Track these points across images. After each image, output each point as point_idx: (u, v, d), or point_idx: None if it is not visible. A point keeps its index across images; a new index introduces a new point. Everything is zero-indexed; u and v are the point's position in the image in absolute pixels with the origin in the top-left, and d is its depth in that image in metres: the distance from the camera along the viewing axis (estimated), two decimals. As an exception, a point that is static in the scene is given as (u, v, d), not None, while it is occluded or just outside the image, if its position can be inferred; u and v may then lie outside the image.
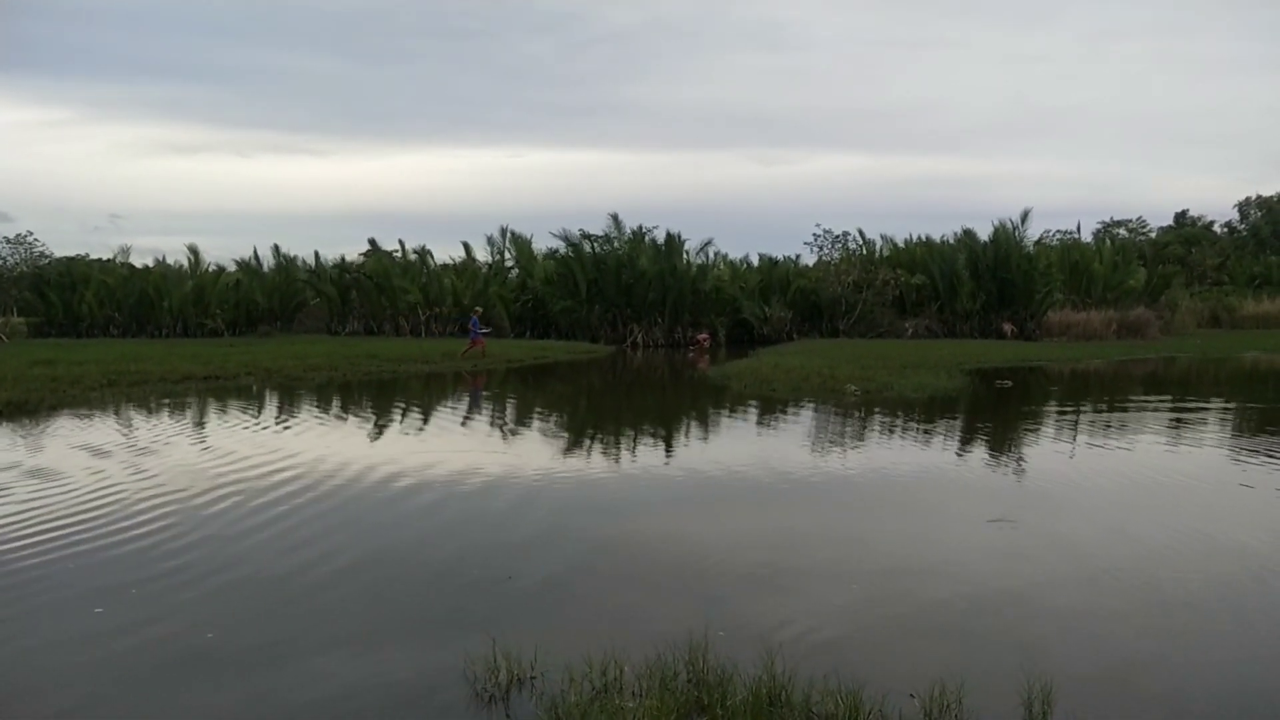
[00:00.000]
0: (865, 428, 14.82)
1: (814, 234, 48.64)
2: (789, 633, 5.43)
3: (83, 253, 55.68)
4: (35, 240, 56.10)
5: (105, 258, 53.79)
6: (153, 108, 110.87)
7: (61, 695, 4.66)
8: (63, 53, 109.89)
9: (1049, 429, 14.92)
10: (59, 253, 55.27)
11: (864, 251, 48.06)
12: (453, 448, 12.32)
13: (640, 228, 44.66)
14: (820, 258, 48.14)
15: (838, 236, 48.29)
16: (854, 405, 17.58)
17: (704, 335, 39.90)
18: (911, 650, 5.26)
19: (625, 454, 12.21)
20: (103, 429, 14.15)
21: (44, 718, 4.43)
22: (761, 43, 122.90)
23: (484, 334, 30.75)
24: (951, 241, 47.25)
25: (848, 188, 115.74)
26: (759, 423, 15.55)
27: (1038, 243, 52.06)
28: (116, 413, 16.50)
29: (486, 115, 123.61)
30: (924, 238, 48.75)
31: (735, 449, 12.39)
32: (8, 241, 56.84)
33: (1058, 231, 62.19)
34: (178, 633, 5.49)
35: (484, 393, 21.17)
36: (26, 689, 4.73)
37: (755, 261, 48.74)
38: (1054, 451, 12.47)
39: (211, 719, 4.44)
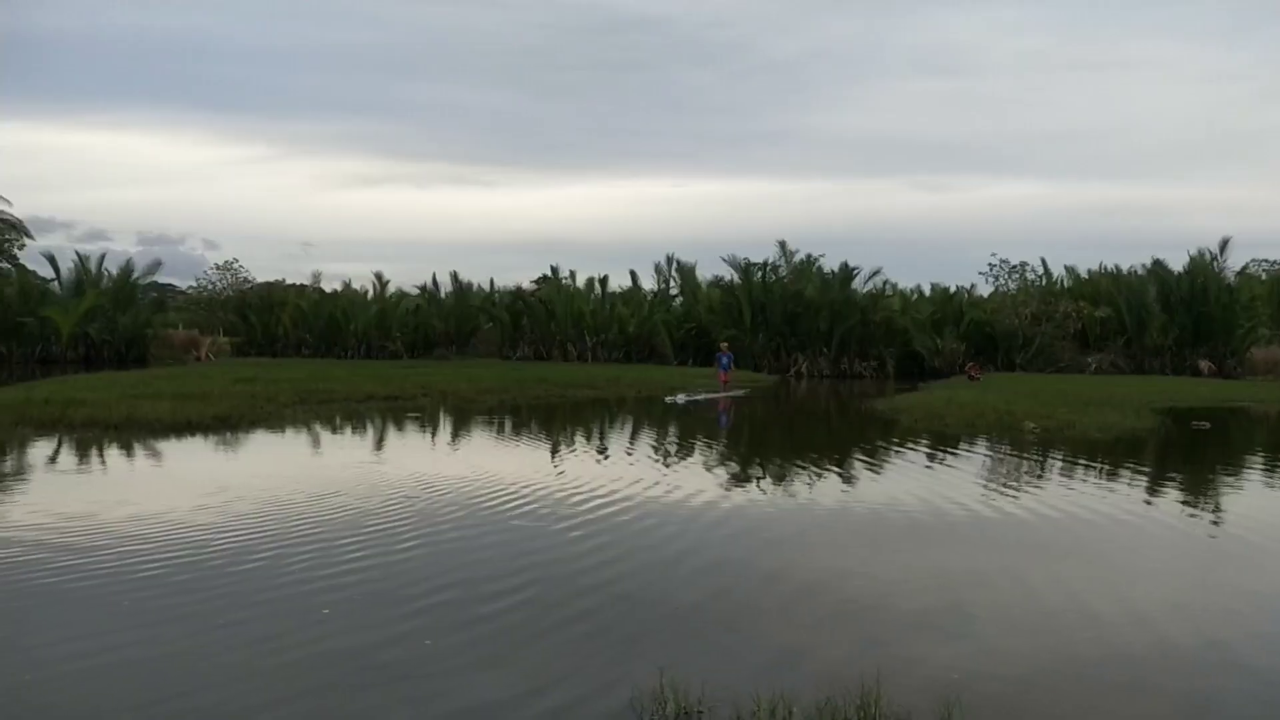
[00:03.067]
0: (1044, 468, 14.09)
1: (989, 264, 46.81)
2: (961, 679, 5.19)
3: (279, 278, 59.84)
4: (240, 266, 60.75)
5: (299, 283, 57.61)
6: (341, 143, 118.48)
7: (243, 691, 4.96)
8: (262, 93, 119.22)
9: (1254, 477, 13.75)
10: (259, 278, 59.61)
11: (1043, 282, 45.90)
12: (621, 475, 12.45)
13: (809, 256, 44.26)
14: (996, 288, 46.33)
15: (1015, 266, 46.30)
16: (1032, 444, 16.74)
17: (973, 364, 37.14)
18: (1094, 706, 4.94)
19: (792, 487, 12.04)
20: (290, 444, 15.12)
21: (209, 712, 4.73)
22: (929, 68, 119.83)
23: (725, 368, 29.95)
24: (1140, 272, 44.56)
25: (1025, 216, 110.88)
26: (929, 459, 15.03)
27: (1240, 273, 48.37)
28: (307, 429, 17.60)
29: (649, 146, 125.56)
30: (1111, 268, 46.19)
31: (904, 485, 12.02)
32: (216, 268, 61.69)
33: (1266, 261, 57.49)
34: (352, 640, 5.76)
35: (724, 420, 21.79)
36: (212, 682, 5.05)
37: (927, 291, 47.41)
38: (1259, 502, 11.48)
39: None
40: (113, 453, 14.13)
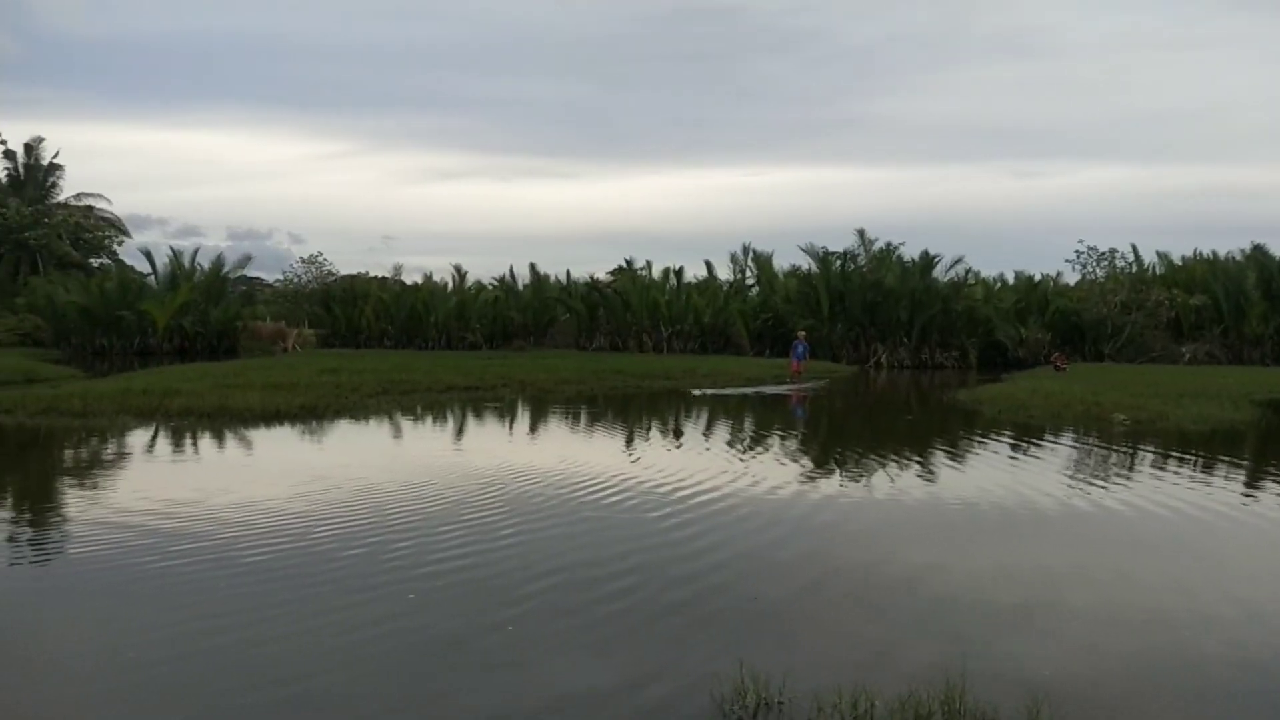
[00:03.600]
0: (1135, 461, 13.65)
1: (1076, 251, 45.57)
2: (1049, 678, 5.07)
3: (362, 271, 61.14)
4: (324, 260, 62.28)
5: (381, 275, 58.82)
6: (421, 138, 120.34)
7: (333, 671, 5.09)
8: (345, 91, 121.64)
9: (1363, 471, 13.12)
10: (342, 271, 61.00)
11: (1134, 269, 44.42)
12: (705, 466, 12.44)
13: (888, 245, 43.59)
14: (1084, 276, 44.99)
15: (1103, 254, 44.93)
16: (1122, 436, 16.23)
17: (1059, 354, 36.17)
18: (1204, 712, 4.78)
19: (874, 479, 11.88)
20: (377, 434, 15.46)
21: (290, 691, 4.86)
22: (1012, 51, 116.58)
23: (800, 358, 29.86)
24: (1238, 258, 42.80)
25: (1113, 201, 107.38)
26: (1014, 451, 14.68)
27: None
28: (391, 419, 17.99)
29: (725, 135, 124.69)
30: (1207, 254, 44.47)
31: (988, 477, 11.77)
32: (302, 261, 63.39)
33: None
34: (432, 623, 5.87)
35: (800, 411, 21.71)
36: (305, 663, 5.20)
37: (1010, 280, 46.28)
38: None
39: (458, 712, 4.69)
40: (209, 441, 14.64)
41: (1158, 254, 45.64)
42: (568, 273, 53.61)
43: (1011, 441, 15.70)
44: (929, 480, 11.76)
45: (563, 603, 6.41)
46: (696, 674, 5.11)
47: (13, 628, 6.01)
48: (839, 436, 17.82)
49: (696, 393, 24.48)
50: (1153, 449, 14.85)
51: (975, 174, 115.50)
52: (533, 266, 53.93)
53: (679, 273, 49.89)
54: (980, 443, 15.74)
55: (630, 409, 21.01)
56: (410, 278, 56.87)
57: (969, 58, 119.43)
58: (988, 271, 47.74)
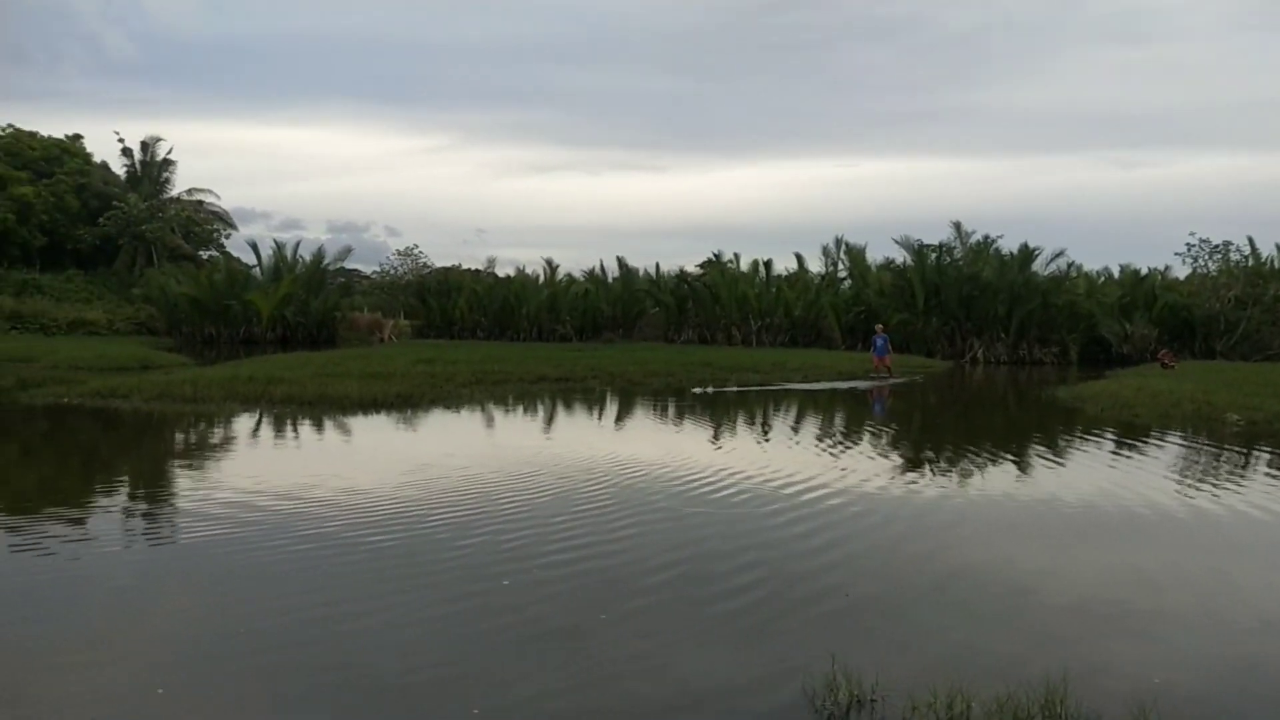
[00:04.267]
0: (1247, 464, 13.04)
1: (1187, 244, 43.64)
2: (1162, 685, 4.89)
3: (456, 263, 62.41)
4: (419, 252, 63.71)
5: (474, 268, 59.89)
6: (514, 132, 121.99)
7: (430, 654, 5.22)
8: (442, 86, 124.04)
9: None
10: (437, 263, 62.33)
11: (1250, 262, 42.36)
12: (799, 462, 12.36)
13: (986, 237, 42.51)
14: (1194, 270, 43.11)
15: (1216, 246, 42.93)
16: (1235, 438, 15.52)
17: (1166, 351, 34.88)
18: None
19: (970, 476, 11.62)
20: (475, 424, 15.73)
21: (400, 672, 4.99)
22: (1119, 37, 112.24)
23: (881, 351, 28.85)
24: (1366, 250, 40.44)
25: (1226, 191, 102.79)
26: (1118, 451, 14.18)
27: None
28: (486, 409, 18.31)
29: (819, 126, 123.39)
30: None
31: (1090, 478, 11.39)
32: (398, 254, 65.07)
33: None
34: (540, 615, 5.96)
35: (880, 407, 21.25)
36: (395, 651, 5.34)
37: (1115, 273, 44.66)
38: None
39: (552, 699, 4.76)
40: (315, 428, 15.14)
41: (1277, 246, 43.46)
42: (657, 266, 53.87)
43: (1115, 441, 15.16)
44: (1025, 480, 11.45)
45: (683, 596, 6.40)
46: (784, 668, 5.09)
47: (150, 611, 6.31)
48: (937, 433, 17.46)
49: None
50: (1269, 451, 14.16)
51: (1078, 164, 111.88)
52: (620, 260, 54.33)
53: (768, 265, 49.58)
54: (1082, 442, 15.24)
55: (721, 402, 20.95)
56: (503, 270, 57.89)
57: (1074, 43, 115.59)
58: (1091, 265, 46.29)
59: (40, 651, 5.30)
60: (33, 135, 51.98)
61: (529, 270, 56.63)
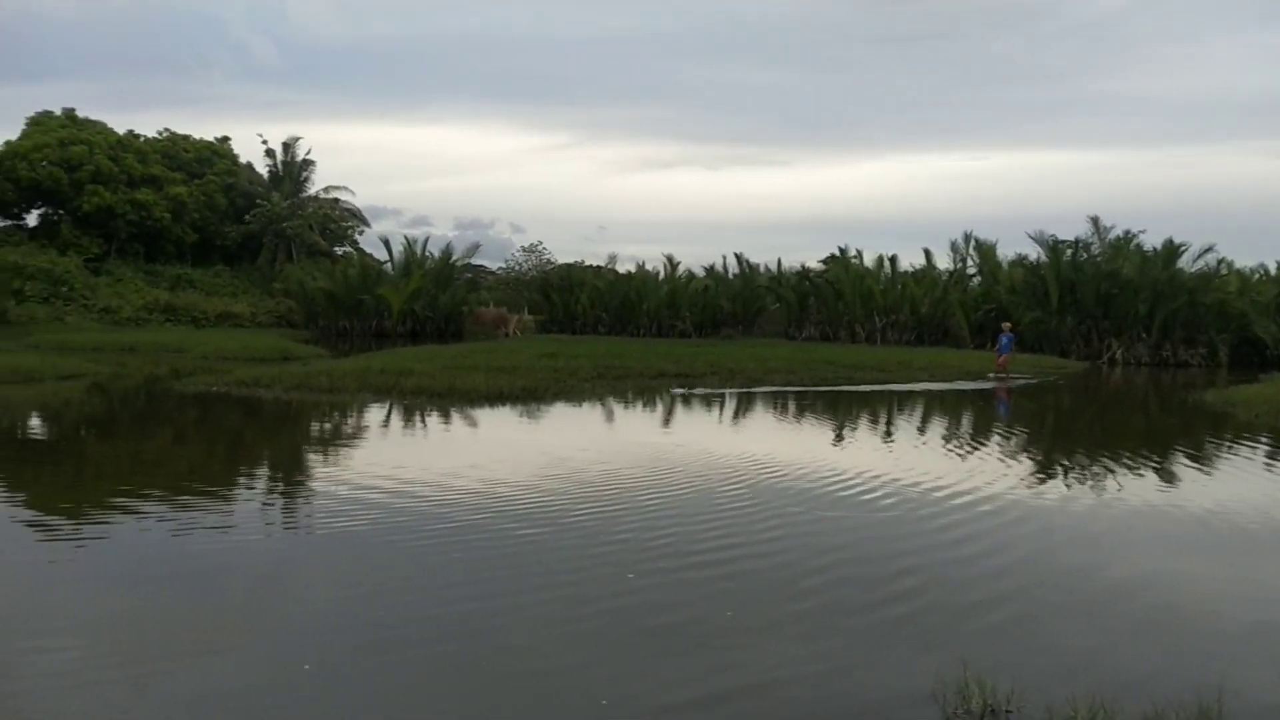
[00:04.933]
0: None
1: (1354, 238, 40.56)
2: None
3: (578, 259, 63.18)
4: (543, 248, 64.83)
5: (596, 264, 60.55)
6: (635, 127, 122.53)
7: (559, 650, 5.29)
8: (565, 83, 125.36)
9: None
10: (560, 259, 63.27)
11: None
12: (929, 465, 12.06)
13: (1126, 232, 40.54)
14: (1361, 267, 40.05)
15: (1387, 241, 39.76)
16: None
17: None
18: None
19: (1106, 483, 11.10)
20: (602, 419, 15.91)
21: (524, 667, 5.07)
22: (1274, 18, 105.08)
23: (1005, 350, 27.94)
24: None
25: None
26: (1271, 459, 13.31)
27: None
28: (610, 403, 18.50)
29: (947, 118, 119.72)
30: None
31: (1239, 488, 10.73)
32: (522, 250, 66.30)
33: None
34: (668, 608, 5.98)
35: (1005, 409, 20.52)
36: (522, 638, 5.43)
37: (1272, 270, 41.89)
38: None
39: (673, 691, 4.76)
40: (449, 419, 15.61)
41: None
42: (778, 261, 53.33)
43: (1271, 449, 14.24)
44: (1165, 488, 10.87)
45: (845, 602, 6.25)
46: (915, 673, 4.97)
47: (297, 595, 6.63)
48: (1077, 437, 16.76)
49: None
50: None
51: (1227, 155, 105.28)
52: (739, 256, 54.01)
53: (893, 261, 48.45)
54: (1230, 450, 14.38)
55: (850, 401, 20.61)
56: (623, 266, 58.22)
57: (1223, 27, 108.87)
58: (1243, 262, 43.36)
59: (191, 629, 5.62)
60: (186, 138, 55.09)
61: (649, 266, 56.86)
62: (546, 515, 8.45)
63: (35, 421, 15.66)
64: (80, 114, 51.16)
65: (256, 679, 4.81)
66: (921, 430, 15.88)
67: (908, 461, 11.89)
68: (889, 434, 15.31)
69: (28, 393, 18.21)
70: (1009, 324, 29.96)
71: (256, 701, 4.55)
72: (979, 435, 15.38)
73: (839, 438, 14.68)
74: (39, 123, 49.79)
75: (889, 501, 9.50)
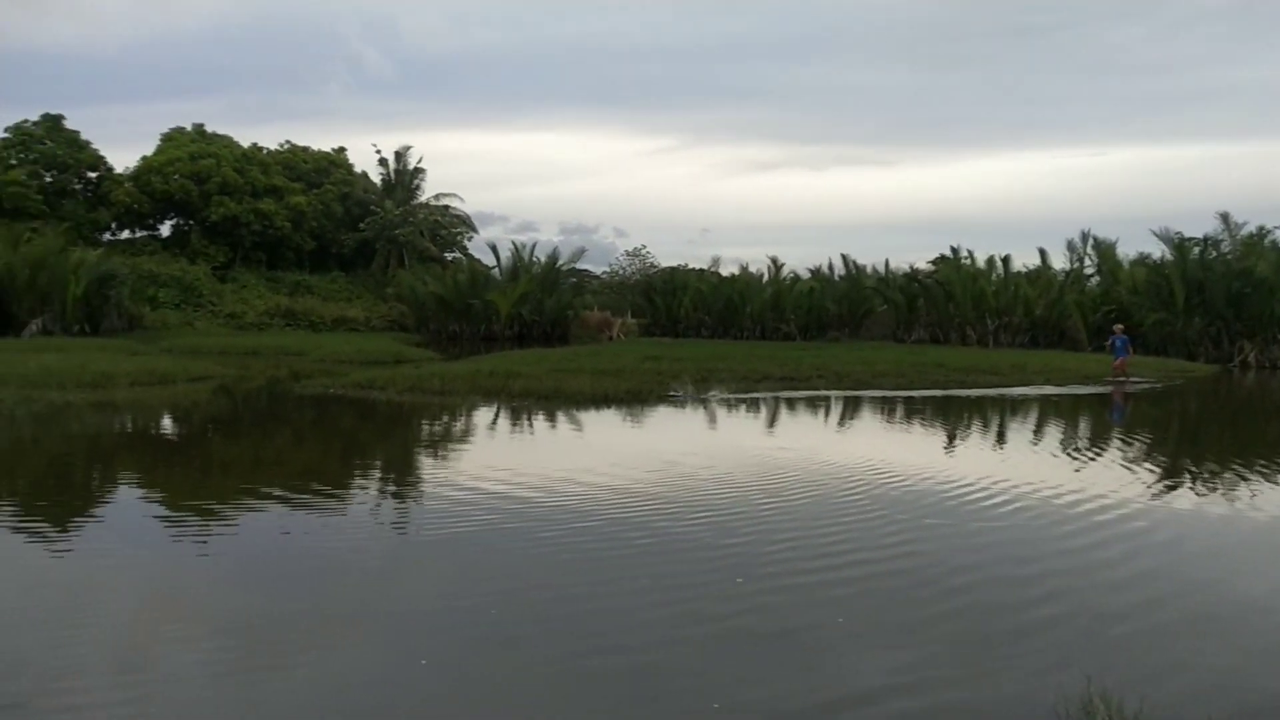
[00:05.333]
0: None
1: None
2: None
3: (681, 263, 63.33)
4: (647, 252, 65.21)
5: (699, 267, 60.53)
6: (739, 130, 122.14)
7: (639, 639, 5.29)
8: (668, 87, 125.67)
9: None
10: (663, 263, 63.53)
11: None
12: (1043, 472, 11.66)
13: (1260, 228, 38.48)
14: None
15: None
16: None
17: None
18: None
19: (1244, 492, 10.50)
20: (707, 422, 15.90)
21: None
22: None
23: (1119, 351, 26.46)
24: None
25: None
26: None
27: None
28: (714, 407, 18.46)
29: (1063, 114, 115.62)
30: None
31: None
32: (627, 254, 66.83)
33: None
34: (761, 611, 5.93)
35: (1121, 415, 19.63)
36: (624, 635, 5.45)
37: None
38: None
39: (764, 695, 4.70)
40: (554, 422, 15.83)
41: None
42: (886, 263, 52.41)
43: None
44: (1314, 497, 10.22)
45: (965, 611, 6.04)
46: (1036, 687, 4.80)
47: (412, 591, 6.82)
48: (1210, 444, 15.95)
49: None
50: None
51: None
52: (845, 257, 53.31)
53: (1006, 261, 46.97)
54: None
55: (964, 406, 20.09)
56: (727, 269, 58.10)
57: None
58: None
59: (312, 624, 5.83)
60: (305, 150, 57.37)
61: (753, 269, 56.57)
62: (662, 520, 8.40)
63: (168, 422, 16.51)
64: (209, 129, 53.83)
65: (375, 671, 4.96)
66: (1040, 436, 15.34)
67: (1028, 468, 11.48)
68: (1006, 440, 14.84)
69: (162, 394, 19.20)
70: (1121, 325, 28.58)
71: (376, 693, 4.69)
72: (1100, 441, 14.76)
73: (955, 443, 14.30)
74: (172, 138, 52.59)
75: (1011, 509, 9.18)
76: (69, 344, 27.95)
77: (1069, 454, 12.99)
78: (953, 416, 18.14)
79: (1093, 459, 12.59)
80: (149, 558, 7.26)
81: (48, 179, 48.45)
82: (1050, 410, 19.69)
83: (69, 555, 7.43)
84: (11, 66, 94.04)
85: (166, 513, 8.91)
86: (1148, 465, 12.29)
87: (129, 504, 9.47)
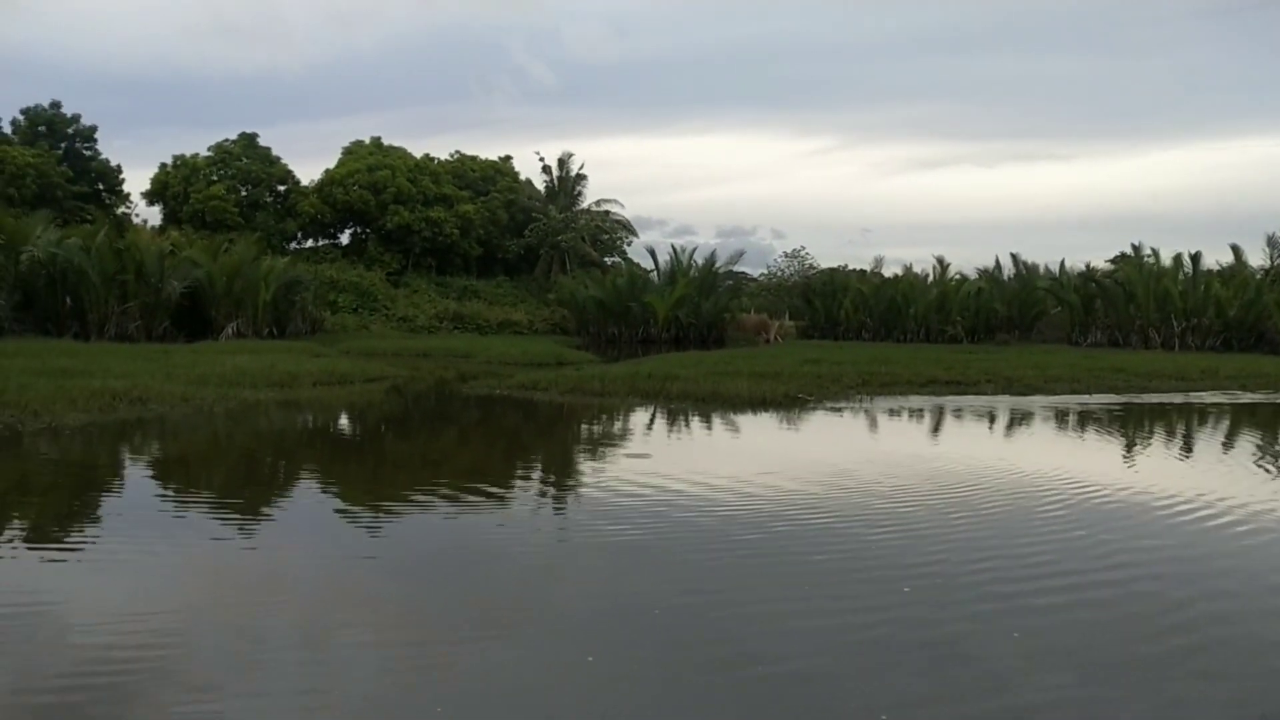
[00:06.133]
0: None
1: None
2: None
3: (841, 264, 62.12)
4: (805, 254, 64.28)
5: (858, 268, 59.26)
6: (901, 128, 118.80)
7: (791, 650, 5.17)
8: (829, 87, 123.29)
9: None
10: (822, 264, 62.45)
11: None
12: (1259, 488, 10.82)
13: None
14: None
15: None
16: None
17: None
18: None
19: None
20: (871, 428, 15.54)
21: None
22: None
23: None
24: None
25: None
26: None
27: None
28: (877, 412, 18.02)
29: (1260, 98, 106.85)
30: None
31: None
32: (784, 255, 66.14)
33: None
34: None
35: None
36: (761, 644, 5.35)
37: None
38: None
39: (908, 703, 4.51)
40: (719, 425, 15.89)
41: None
42: (1061, 262, 49.89)
43: None
44: None
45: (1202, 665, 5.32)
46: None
47: (575, 590, 6.96)
48: None
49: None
50: None
51: None
52: (1015, 256, 51.05)
53: (1195, 259, 43.84)
54: None
55: (1145, 416, 18.88)
56: (889, 270, 56.64)
57: None
58: None
59: (477, 619, 6.01)
60: (473, 159, 59.52)
61: (917, 269, 54.91)
62: (850, 531, 8.19)
63: (344, 420, 17.47)
64: (385, 141, 56.68)
65: (540, 664, 5.07)
66: (1251, 448, 14.20)
67: (1241, 484, 10.64)
68: (1210, 451, 13.80)
69: (341, 393, 20.33)
70: None
71: (542, 689, 4.80)
72: (1305, 454, 13.55)
73: (1151, 454, 13.43)
74: (351, 151, 55.67)
75: (1241, 530, 8.46)
76: (259, 346, 29.96)
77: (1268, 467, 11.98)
78: (1141, 425, 17.04)
79: (1297, 473, 11.56)
80: (325, 552, 7.66)
81: (243, 193, 52.18)
82: (1254, 419, 18.21)
83: (257, 548, 7.94)
84: (214, 92, 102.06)
85: (342, 506, 9.42)
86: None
87: (311, 498, 10.06)
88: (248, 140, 53.45)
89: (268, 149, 53.80)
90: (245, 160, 52.57)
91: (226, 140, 53.14)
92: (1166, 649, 5.47)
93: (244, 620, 5.77)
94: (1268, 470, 11.75)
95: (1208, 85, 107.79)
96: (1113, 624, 5.88)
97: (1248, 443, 14.88)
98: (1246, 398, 21.68)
